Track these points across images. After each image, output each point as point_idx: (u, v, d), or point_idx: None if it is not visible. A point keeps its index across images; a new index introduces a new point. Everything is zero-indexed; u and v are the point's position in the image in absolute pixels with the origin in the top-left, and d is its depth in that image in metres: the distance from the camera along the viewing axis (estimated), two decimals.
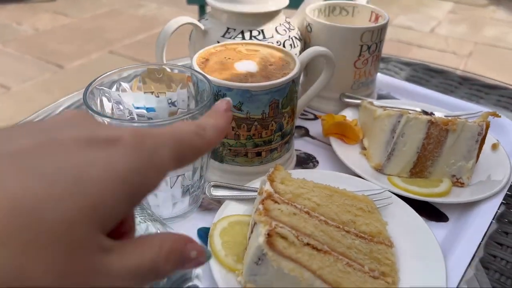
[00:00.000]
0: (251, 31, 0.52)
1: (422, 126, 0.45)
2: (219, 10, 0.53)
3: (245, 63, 0.44)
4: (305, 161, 0.52)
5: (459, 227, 0.43)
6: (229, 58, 0.45)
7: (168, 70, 0.43)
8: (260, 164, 0.45)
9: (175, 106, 0.45)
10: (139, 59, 2.47)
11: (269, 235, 0.32)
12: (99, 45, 2.61)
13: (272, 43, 0.52)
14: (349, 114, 0.56)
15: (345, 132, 0.52)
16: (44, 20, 2.96)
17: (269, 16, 0.53)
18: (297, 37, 0.55)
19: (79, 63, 2.43)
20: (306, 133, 0.57)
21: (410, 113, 0.45)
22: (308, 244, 0.34)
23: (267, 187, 0.37)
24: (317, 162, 0.52)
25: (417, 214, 0.41)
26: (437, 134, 0.45)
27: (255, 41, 0.50)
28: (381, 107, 0.52)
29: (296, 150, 0.53)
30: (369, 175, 0.47)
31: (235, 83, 0.40)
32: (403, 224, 0.41)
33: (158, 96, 0.44)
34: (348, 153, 0.50)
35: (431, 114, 0.56)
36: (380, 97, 0.65)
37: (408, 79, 0.71)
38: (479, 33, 2.82)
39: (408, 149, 0.46)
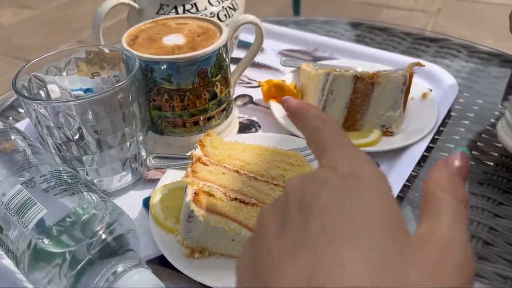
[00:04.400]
0: (184, 6, 0.53)
1: (348, 81, 0.47)
2: None
3: (173, 36, 0.45)
4: (248, 126, 0.54)
5: (387, 173, 0.46)
6: (158, 33, 0.46)
7: (98, 50, 0.44)
8: (200, 133, 0.47)
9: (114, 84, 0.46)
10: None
11: (196, 194, 0.35)
12: (66, 35, 2.57)
13: (206, 15, 0.53)
14: (289, 79, 0.58)
15: (283, 94, 0.55)
16: (7, 14, 2.89)
17: None
18: (232, 7, 0.56)
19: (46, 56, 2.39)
20: (250, 100, 0.59)
21: (336, 71, 0.48)
22: (236, 198, 0.37)
23: (197, 151, 0.39)
24: (260, 126, 0.54)
25: None
26: (363, 88, 0.48)
27: (186, 14, 0.52)
28: (317, 68, 0.54)
29: (240, 117, 0.56)
30: None
31: (160, 56, 0.42)
32: None
33: (93, 78, 0.45)
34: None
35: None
36: (323, 59, 0.67)
37: (352, 40, 0.73)
38: None
39: (338, 105, 0.48)
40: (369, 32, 0.76)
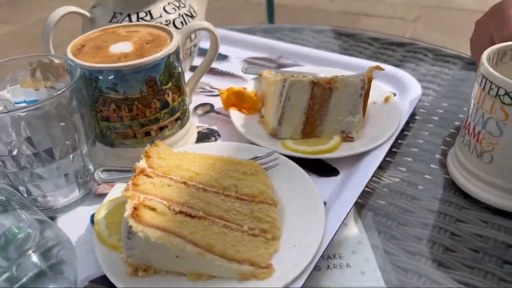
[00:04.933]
0: (138, 13, 0.52)
1: (305, 87, 0.46)
2: None
3: (120, 44, 0.44)
4: (207, 136, 0.52)
5: (347, 179, 0.44)
6: (106, 42, 0.45)
7: (44, 61, 0.42)
8: (152, 144, 0.45)
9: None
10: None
11: (135, 208, 0.33)
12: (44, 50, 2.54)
13: (161, 22, 0.52)
14: (251, 85, 0.57)
15: (244, 103, 0.53)
16: None
17: None
18: (189, 14, 0.55)
19: None
20: (211, 109, 0.57)
21: (293, 77, 0.46)
22: (181, 212, 0.35)
23: (141, 163, 0.37)
24: (219, 135, 0.52)
25: (303, 172, 0.43)
26: (321, 93, 0.46)
27: (137, 22, 0.50)
28: (279, 75, 0.53)
29: (199, 126, 0.54)
30: (264, 141, 0.48)
31: (103, 64, 0.40)
32: (290, 183, 0.42)
33: (37, 89, 0.43)
34: (247, 123, 0.51)
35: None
36: (286, 66, 0.66)
37: (319, 47, 0.72)
38: None
39: (296, 111, 0.47)
40: (336, 39, 0.75)
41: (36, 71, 0.43)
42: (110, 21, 0.52)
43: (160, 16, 0.52)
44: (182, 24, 0.54)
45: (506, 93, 0.36)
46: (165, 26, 0.46)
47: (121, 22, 0.51)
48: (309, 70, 0.60)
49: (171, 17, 0.53)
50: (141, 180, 0.36)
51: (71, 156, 0.39)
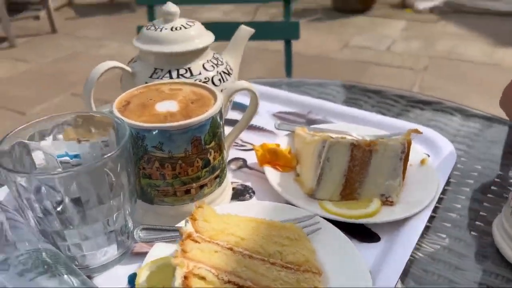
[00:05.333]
0: (178, 70, 0.53)
1: (345, 149, 0.46)
2: (146, 52, 0.54)
3: (166, 103, 0.44)
4: (242, 193, 0.52)
5: (389, 246, 0.43)
6: (151, 99, 0.45)
7: (88, 117, 0.43)
8: (192, 201, 0.45)
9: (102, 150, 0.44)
10: (102, 99, 2.46)
11: (185, 278, 0.32)
12: (61, 89, 2.59)
13: (200, 80, 0.53)
14: (284, 142, 0.57)
15: (278, 160, 0.53)
16: (4, 67, 2.92)
17: (196, 53, 0.54)
18: (226, 71, 0.56)
19: (40, 108, 2.40)
20: (244, 164, 0.57)
21: (333, 138, 0.47)
22: (229, 281, 0.34)
23: (187, 227, 0.37)
24: (254, 192, 0.52)
25: (346, 238, 0.42)
26: (361, 155, 0.46)
27: (180, 79, 0.51)
28: (312, 133, 0.54)
29: (233, 182, 0.54)
30: (301, 201, 0.47)
31: (151, 124, 0.40)
32: (333, 249, 0.41)
33: (79, 142, 0.44)
34: (282, 181, 0.51)
35: (363, 137, 0.57)
36: (317, 122, 0.66)
37: (345, 102, 0.73)
38: (432, 48, 2.94)
39: (335, 172, 0.47)
40: (362, 95, 0.77)
41: (80, 124, 0.43)
42: (151, 77, 0.53)
43: (200, 74, 0.54)
44: (220, 81, 0.55)
45: None
46: (207, 86, 0.47)
47: (161, 78, 0.52)
48: (341, 127, 0.60)
49: (210, 74, 0.54)
50: (188, 245, 0.35)
51: (114, 215, 0.39)
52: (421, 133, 0.50)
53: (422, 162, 0.53)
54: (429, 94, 0.75)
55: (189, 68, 0.54)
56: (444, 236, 0.46)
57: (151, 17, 1.25)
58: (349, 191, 0.47)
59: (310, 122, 0.67)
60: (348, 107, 0.69)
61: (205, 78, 0.54)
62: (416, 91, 2.32)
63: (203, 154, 0.43)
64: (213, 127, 0.43)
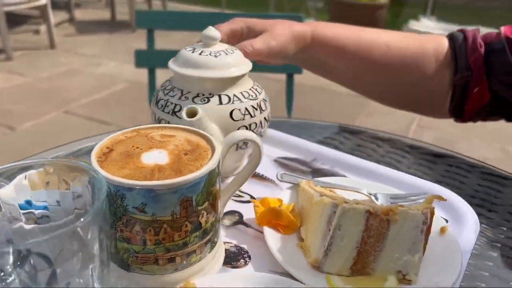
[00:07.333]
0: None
1: (360, 217, 0.40)
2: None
3: (155, 153, 0.38)
4: (236, 257, 0.45)
5: None
6: (137, 147, 0.39)
7: (61, 166, 0.36)
8: (175, 271, 0.38)
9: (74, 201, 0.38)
10: (95, 118, 2.40)
11: None
12: (54, 105, 2.53)
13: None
14: (286, 197, 0.51)
15: (280, 220, 0.46)
16: None
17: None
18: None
19: (31, 124, 2.33)
20: (240, 219, 0.51)
21: (346, 202, 0.40)
22: None
23: None
24: (249, 258, 0.45)
25: None
26: (377, 225, 0.40)
27: (172, 124, 0.45)
28: (320, 191, 0.47)
29: (226, 242, 0.47)
30: (305, 274, 0.40)
31: (134, 181, 0.34)
32: None
33: (48, 190, 0.37)
34: (283, 247, 0.44)
35: (375, 196, 0.51)
36: (323, 172, 0.60)
37: (352, 149, 0.68)
38: None
39: (347, 243, 0.40)
40: (371, 142, 0.71)
41: (50, 172, 0.37)
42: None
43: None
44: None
45: None
46: (204, 133, 0.41)
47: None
48: (349, 182, 0.54)
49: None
50: None
51: (79, 280, 0.31)
52: (445, 200, 0.44)
53: (442, 230, 0.47)
54: (435, 144, 0.70)
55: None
56: None
57: (151, 39, 1.22)
58: (361, 266, 0.41)
59: (315, 171, 0.60)
60: (357, 157, 0.63)
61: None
62: (413, 128, 2.29)
63: (194, 217, 0.37)
64: (208, 186, 0.37)
